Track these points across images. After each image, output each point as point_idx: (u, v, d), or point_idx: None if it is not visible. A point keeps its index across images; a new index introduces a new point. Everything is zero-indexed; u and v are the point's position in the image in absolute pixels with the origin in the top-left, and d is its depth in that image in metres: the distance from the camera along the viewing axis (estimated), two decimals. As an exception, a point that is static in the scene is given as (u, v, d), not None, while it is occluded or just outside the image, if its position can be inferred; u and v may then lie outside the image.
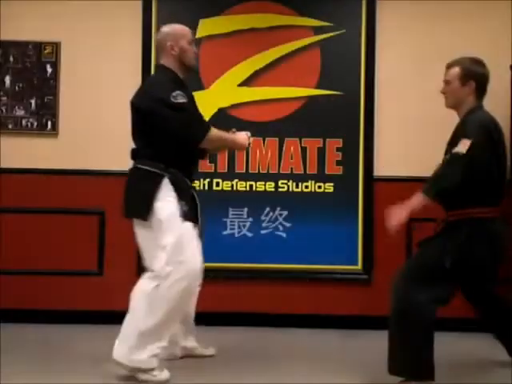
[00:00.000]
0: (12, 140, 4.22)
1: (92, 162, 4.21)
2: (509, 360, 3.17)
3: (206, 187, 4.14)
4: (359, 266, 4.20)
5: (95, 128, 4.23)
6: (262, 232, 4.21)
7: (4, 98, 4.23)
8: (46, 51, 4.23)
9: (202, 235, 3.05)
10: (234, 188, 4.22)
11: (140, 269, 4.14)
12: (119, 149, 4.13)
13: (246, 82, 4.24)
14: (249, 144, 3.10)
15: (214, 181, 4.18)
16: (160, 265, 2.77)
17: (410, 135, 4.22)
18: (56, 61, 4.23)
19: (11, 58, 4.23)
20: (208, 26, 4.23)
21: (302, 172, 4.22)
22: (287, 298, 4.18)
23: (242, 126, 4.17)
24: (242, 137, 3.05)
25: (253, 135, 4.16)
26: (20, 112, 4.23)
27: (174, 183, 2.84)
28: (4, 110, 4.23)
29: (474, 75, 2.89)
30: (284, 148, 4.22)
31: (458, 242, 2.78)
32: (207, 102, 3.97)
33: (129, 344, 2.75)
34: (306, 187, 4.22)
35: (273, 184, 4.22)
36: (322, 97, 4.23)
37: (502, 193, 2.91)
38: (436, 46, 4.15)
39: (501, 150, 2.85)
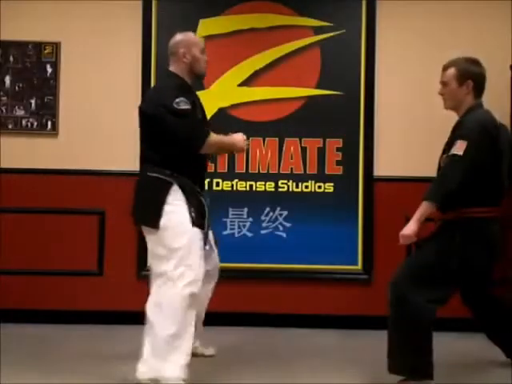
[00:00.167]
0: (12, 140, 4.22)
1: (92, 162, 4.21)
2: (508, 360, 3.17)
3: (206, 187, 4.13)
4: (359, 266, 4.20)
5: (95, 128, 4.23)
6: (262, 232, 4.21)
7: (4, 98, 4.23)
8: (45, 51, 4.24)
9: (208, 239, 3.05)
10: (234, 188, 4.22)
11: (140, 269, 4.18)
12: (119, 149, 4.15)
13: (246, 82, 4.24)
14: (247, 145, 3.10)
15: (214, 181, 4.19)
16: (171, 267, 2.75)
17: (410, 135, 4.22)
18: (56, 61, 4.24)
19: (11, 58, 4.23)
20: (208, 26, 4.23)
21: (302, 172, 4.22)
22: (287, 298, 4.19)
23: (242, 126, 4.19)
24: (240, 139, 3.02)
25: (253, 135, 4.21)
26: (20, 112, 4.24)
27: (183, 189, 2.84)
28: (4, 110, 4.23)
29: (470, 75, 2.89)
30: (284, 148, 4.22)
31: (456, 243, 2.77)
32: (207, 102, 3.96)
33: (155, 357, 2.71)
34: (306, 187, 4.22)
35: (273, 184, 4.22)
36: (322, 97, 4.23)
37: (502, 192, 2.91)
38: (436, 46, 4.15)
39: (500, 148, 2.83)
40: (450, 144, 2.84)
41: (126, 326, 4.05)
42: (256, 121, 4.22)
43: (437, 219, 2.92)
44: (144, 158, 2.95)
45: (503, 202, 2.92)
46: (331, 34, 4.23)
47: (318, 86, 4.23)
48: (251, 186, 4.23)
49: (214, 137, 2.89)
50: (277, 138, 4.23)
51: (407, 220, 2.85)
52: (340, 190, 4.21)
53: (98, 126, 4.23)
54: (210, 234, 3.09)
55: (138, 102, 4.06)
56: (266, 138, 4.23)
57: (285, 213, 4.22)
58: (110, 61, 4.25)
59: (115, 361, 3.32)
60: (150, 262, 2.89)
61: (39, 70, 4.23)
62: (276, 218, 4.22)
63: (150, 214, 2.83)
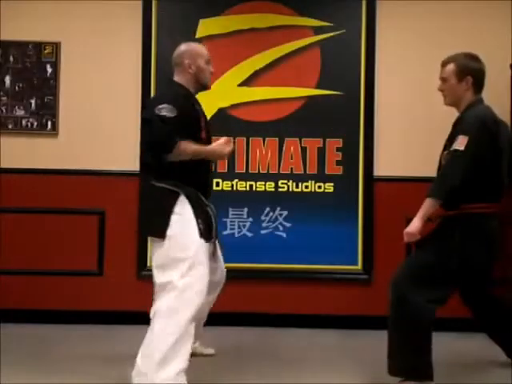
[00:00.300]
0: (12, 140, 4.22)
1: (92, 162, 4.21)
2: (508, 360, 3.17)
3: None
4: (359, 266, 4.20)
5: (95, 128, 4.23)
6: (262, 232, 4.22)
7: (4, 98, 4.23)
8: (45, 51, 4.24)
9: (216, 251, 3.06)
10: (234, 188, 4.22)
11: (140, 269, 4.18)
12: (119, 149, 4.15)
13: (246, 82, 4.24)
14: (232, 150, 3.03)
15: (214, 181, 4.18)
16: (176, 277, 2.73)
17: (410, 135, 4.22)
18: (56, 61, 4.24)
19: (11, 58, 4.23)
20: (208, 26, 4.23)
21: (302, 172, 4.22)
22: (287, 298, 4.19)
23: (242, 126, 4.21)
24: (219, 147, 2.93)
25: (253, 135, 4.21)
26: (20, 112, 4.24)
27: (189, 200, 2.84)
28: (4, 110, 4.23)
29: (470, 70, 2.89)
30: (284, 148, 4.22)
31: (455, 242, 2.77)
32: (207, 102, 3.96)
33: (153, 362, 2.68)
34: (306, 187, 4.22)
35: (273, 184, 4.22)
36: (322, 97, 4.23)
37: (501, 189, 2.90)
38: (436, 46, 4.15)
39: (500, 145, 2.82)
40: (450, 140, 2.84)
41: (126, 326, 4.06)
42: (256, 121, 4.22)
43: (435, 217, 2.91)
44: (148, 167, 2.91)
45: (503, 199, 2.92)
46: (331, 33, 4.23)
47: (318, 86, 4.23)
48: (251, 186, 4.23)
49: (186, 146, 2.80)
50: (277, 138, 4.23)
51: (407, 220, 2.85)
52: (340, 189, 4.21)
53: (98, 125, 4.23)
54: (217, 245, 3.08)
55: (138, 102, 4.11)
56: (266, 138, 4.23)
57: (285, 213, 4.22)
58: (110, 61, 4.25)
59: (115, 361, 3.32)
60: (155, 272, 2.84)
61: (39, 70, 4.23)
62: (276, 218, 4.22)
63: (156, 224, 2.81)
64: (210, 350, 3.45)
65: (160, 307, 2.74)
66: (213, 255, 2.98)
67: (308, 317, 4.20)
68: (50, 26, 4.24)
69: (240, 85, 4.24)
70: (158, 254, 2.82)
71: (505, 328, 3.10)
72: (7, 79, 4.23)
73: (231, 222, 4.21)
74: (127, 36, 4.24)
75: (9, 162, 4.19)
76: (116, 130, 4.12)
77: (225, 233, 4.17)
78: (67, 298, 4.19)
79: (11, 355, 3.36)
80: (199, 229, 2.82)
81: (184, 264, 2.74)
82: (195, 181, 2.90)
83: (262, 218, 4.22)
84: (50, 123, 4.23)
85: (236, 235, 4.21)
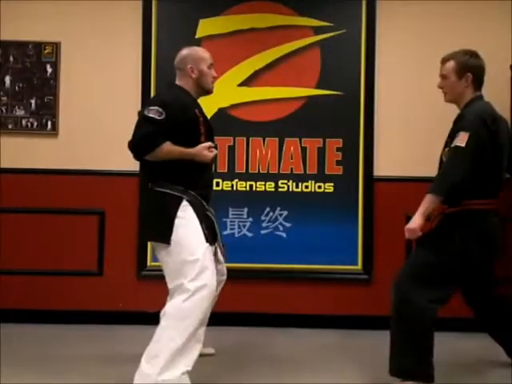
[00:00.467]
0: (12, 140, 4.22)
1: (92, 162, 4.21)
2: (508, 360, 3.18)
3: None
4: (359, 266, 4.20)
5: (95, 128, 4.23)
6: (262, 232, 4.21)
7: (4, 98, 4.23)
8: (45, 51, 4.24)
9: (218, 252, 3.06)
10: (234, 188, 4.22)
11: (140, 269, 4.18)
12: (119, 149, 4.12)
13: (246, 82, 4.24)
14: (215, 156, 2.98)
15: (214, 181, 4.17)
16: (186, 280, 2.73)
17: (410, 135, 4.22)
18: (56, 61, 4.23)
19: (11, 58, 4.23)
20: (208, 26, 4.23)
21: (302, 172, 4.22)
22: (287, 298, 4.19)
23: (242, 126, 4.21)
24: (200, 152, 2.88)
25: (253, 135, 4.21)
26: (20, 112, 4.23)
27: (192, 205, 2.84)
28: (4, 110, 4.23)
29: (469, 67, 2.90)
30: (284, 148, 4.22)
31: (456, 240, 2.77)
32: (207, 102, 3.96)
33: (159, 363, 2.67)
34: (306, 187, 4.22)
35: (273, 184, 4.22)
36: (322, 97, 4.23)
37: (500, 185, 2.90)
38: (436, 46, 4.14)
39: (500, 141, 2.82)
40: (451, 137, 2.84)
41: (126, 326, 4.06)
42: (256, 121, 4.22)
43: (434, 216, 2.90)
44: (149, 172, 2.91)
45: (504, 195, 2.92)
46: (331, 33, 4.23)
47: (318, 86, 4.23)
48: (251, 186, 4.23)
49: (167, 148, 2.79)
50: (277, 138, 4.23)
51: (407, 219, 2.85)
52: (340, 189, 4.21)
53: (98, 125, 4.23)
54: (219, 250, 3.09)
55: (138, 102, 4.11)
56: (266, 138, 4.23)
57: (285, 213, 4.22)
58: (110, 61, 4.25)
59: (115, 361, 3.32)
60: (166, 278, 2.84)
61: (39, 70, 4.23)
62: (276, 218, 4.22)
63: (160, 229, 2.80)
64: (210, 350, 3.45)
65: (169, 309, 2.75)
66: (214, 256, 2.98)
67: (308, 317, 4.20)
68: (50, 26, 4.24)
69: (240, 85, 4.24)
70: (167, 260, 2.82)
71: (507, 327, 3.09)
72: (7, 79, 4.23)
73: (231, 222, 4.21)
74: (127, 36, 4.24)
75: (9, 162, 4.18)
76: (116, 130, 4.12)
77: (225, 233, 4.17)
78: (67, 298, 4.18)
79: (11, 355, 3.36)
80: (204, 233, 2.82)
81: (194, 267, 2.74)
82: (195, 185, 2.89)
83: (262, 218, 4.22)
84: (49, 123, 4.23)
85: (236, 235, 4.21)
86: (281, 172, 4.22)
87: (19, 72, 4.23)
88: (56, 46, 4.23)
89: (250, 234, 4.21)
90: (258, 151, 4.22)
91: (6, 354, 3.37)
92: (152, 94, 4.14)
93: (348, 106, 4.21)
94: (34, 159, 4.22)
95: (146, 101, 3.95)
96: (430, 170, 3.06)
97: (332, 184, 4.21)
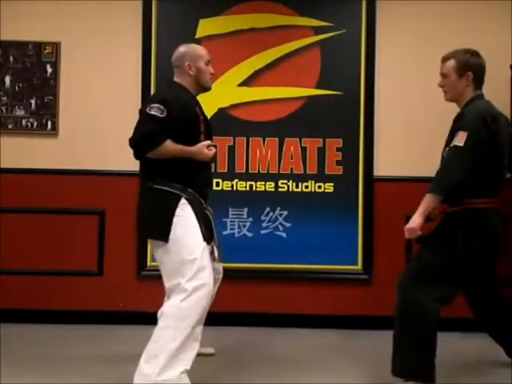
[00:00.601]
0: (12, 140, 4.22)
1: (92, 162, 4.21)
2: (508, 360, 3.17)
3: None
4: (359, 266, 4.20)
5: (95, 128, 4.23)
6: (262, 232, 4.21)
7: (4, 98, 4.23)
8: (45, 51, 4.24)
9: (214, 250, 3.05)
10: (234, 188, 4.22)
11: (140, 269, 4.18)
12: (119, 149, 4.13)
13: (246, 82, 4.24)
14: (215, 154, 2.98)
15: (214, 181, 4.18)
16: (184, 279, 2.72)
17: (410, 135, 4.22)
18: (56, 61, 4.23)
19: (11, 58, 4.23)
20: (208, 26, 4.23)
21: (302, 172, 4.22)
22: (287, 298, 4.19)
23: (242, 126, 4.21)
24: (200, 151, 2.88)
25: (253, 135, 4.21)
26: (20, 112, 4.23)
27: (190, 203, 2.83)
28: (4, 110, 4.23)
29: (470, 66, 2.90)
30: (284, 148, 4.22)
31: (458, 239, 2.77)
32: (207, 102, 3.97)
33: (158, 364, 2.67)
34: (306, 187, 4.22)
35: (273, 184, 4.22)
36: (322, 97, 4.23)
37: (500, 183, 2.90)
38: (436, 46, 4.14)
39: (500, 140, 2.81)
40: (451, 136, 2.84)
41: (126, 326, 4.06)
42: (256, 121, 4.22)
43: (435, 215, 2.90)
44: (148, 170, 2.91)
45: (506, 194, 2.92)
46: (331, 33, 4.23)
47: (318, 86, 4.23)
48: (251, 186, 4.23)
49: (168, 146, 2.79)
50: (277, 138, 4.23)
51: (407, 219, 2.85)
52: (340, 189, 4.21)
53: (98, 125, 4.23)
54: (215, 248, 3.09)
55: (138, 102, 4.11)
56: (266, 138, 4.23)
57: (285, 213, 4.22)
58: (110, 61, 4.25)
59: (115, 361, 3.33)
60: (163, 276, 2.84)
61: (39, 70, 4.23)
62: (276, 218, 4.22)
63: (158, 227, 2.80)
64: (210, 350, 3.45)
65: (167, 308, 2.74)
66: (210, 255, 2.98)
67: (308, 317, 4.20)
68: (50, 26, 4.24)
69: (240, 85, 4.24)
70: (164, 258, 2.82)
71: (507, 328, 3.09)
72: (7, 79, 4.23)
73: (231, 222, 4.21)
74: (127, 36, 4.24)
75: (9, 162, 4.19)
76: (116, 130, 4.12)
77: (225, 233, 4.17)
78: (67, 298, 4.18)
79: (11, 355, 3.36)
80: (202, 232, 2.82)
81: (192, 267, 2.74)
82: (194, 183, 2.89)
83: (262, 218, 4.22)
84: (49, 123, 4.23)
85: (236, 235, 4.21)
86: (281, 172, 4.22)
87: (19, 72, 4.23)
88: (56, 46, 4.23)
89: (250, 234, 4.21)
90: (257, 151, 4.22)
91: (5, 354, 3.37)
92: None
93: (348, 106, 4.21)
94: (33, 159, 4.22)
95: (146, 98, 3.95)
96: (430, 169, 3.05)
97: (332, 184, 4.21)
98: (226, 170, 4.21)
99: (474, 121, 2.77)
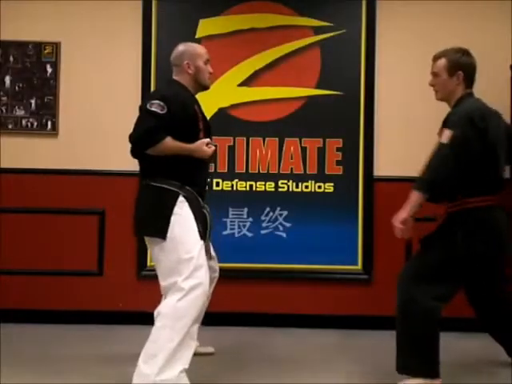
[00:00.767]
0: (12, 140, 4.22)
1: (92, 162, 4.21)
2: (508, 360, 3.17)
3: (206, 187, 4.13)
4: (359, 266, 4.20)
5: (95, 128, 4.23)
6: (262, 232, 4.21)
7: (4, 98, 4.23)
8: (45, 51, 4.24)
9: (210, 248, 3.06)
10: (234, 188, 4.22)
11: (140, 269, 4.18)
12: (119, 149, 4.13)
13: (246, 82, 4.24)
14: (214, 152, 2.96)
15: (214, 181, 4.18)
16: (181, 278, 2.72)
17: (410, 135, 4.22)
18: (56, 61, 4.24)
19: (11, 58, 4.23)
20: (208, 26, 4.23)
21: (302, 172, 4.22)
22: (287, 298, 4.19)
23: (242, 126, 4.21)
24: (199, 148, 2.87)
25: (253, 135, 4.21)
26: (20, 112, 4.24)
27: (188, 200, 2.83)
28: (4, 110, 4.23)
29: (461, 65, 2.89)
30: (284, 148, 4.22)
31: (458, 238, 2.76)
32: (207, 102, 3.97)
33: (156, 363, 2.66)
34: (306, 187, 4.22)
35: (273, 184, 4.22)
36: (322, 97, 4.23)
37: (498, 181, 2.88)
38: (436, 46, 4.13)
39: (490, 139, 2.77)
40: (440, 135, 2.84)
41: (126, 326, 4.06)
42: (256, 121, 4.22)
43: (439, 215, 2.90)
44: (146, 168, 2.91)
45: (506, 196, 2.91)
46: (331, 33, 4.23)
47: (318, 86, 4.23)
48: (251, 186, 4.23)
49: (168, 143, 2.78)
50: (277, 138, 4.23)
51: (411, 220, 2.84)
52: (340, 189, 4.21)
53: (98, 126, 4.23)
54: (211, 246, 3.09)
55: (138, 102, 4.08)
56: (266, 138, 4.23)
57: (285, 213, 4.22)
58: (110, 61, 4.25)
59: (115, 361, 3.32)
60: (159, 274, 2.83)
61: (39, 70, 4.23)
62: (276, 218, 4.22)
63: (156, 224, 2.79)
64: (210, 349, 3.45)
65: (164, 308, 2.74)
66: (206, 253, 2.97)
67: (308, 317, 4.20)
68: (50, 26, 4.24)
69: (240, 85, 4.24)
70: (161, 257, 2.81)
71: (508, 327, 3.08)
72: (7, 79, 4.23)
73: (231, 222, 4.21)
74: (127, 36, 4.24)
75: (9, 162, 4.19)
76: (116, 130, 4.11)
77: (225, 233, 4.18)
78: (67, 298, 4.18)
79: (11, 355, 3.36)
80: (199, 231, 2.82)
81: (189, 265, 2.73)
82: (192, 181, 2.89)
83: (262, 218, 4.22)
84: (49, 123, 4.23)
85: (236, 235, 4.21)
86: (281, 172, 4.22)
87: (19, 72, 4.23)
88: (56, 46, 4.23)
89: (250, 234, 4.21)
90: (257, 151, 4.22)
91: (5, 354, 3.37)
92: (152, 94, 4.14)
93: (348, 106, 4.21)
94: (34, 159, 4.22)
95: (145, 95, 3.94)
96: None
97: (332, 184, 4.21)
98: (226, 170, 4.21)
99: (461, 120, 2.75)
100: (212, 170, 4.14)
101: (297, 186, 4.22)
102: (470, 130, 2.74)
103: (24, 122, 4.23)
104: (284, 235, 4.22)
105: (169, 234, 2.76)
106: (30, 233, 4.19)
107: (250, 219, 4.22)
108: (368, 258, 4.18)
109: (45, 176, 4.20)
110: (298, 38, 4.24)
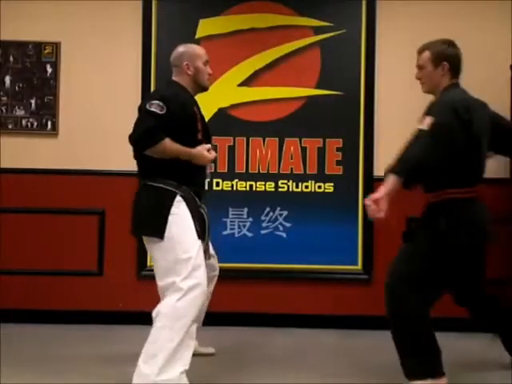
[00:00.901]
0: (12, 140, 4.22)
1: (92, 162, 4.21)
2: (509, 360, 3.17)
3: (206, 187, 4.13)
4: (359, 266, 4.20)
5: (95, 128, 4.23)
6: (262, 232, 4.21)
7: (4, 98, 4.23)
8: (45, 51, 4.24)
9: (209, 247, 3.05)
10: (234, 188, 4.22)
11: (140, 269, 4.18)
12: (119, 149, 4.13)
13: (246, 82, 4.24)
14: (215, 157, 2.98)
15: (214, 181, 4.18)
16: (179, 278, 2.71)
17: (410, 135, 4.21)
18: (56, 61, 4.24)
19: (11, 58, 4.23)
20: (208, 26, 4.23)
21: (302, 172, 4.22)
22: (287, 298, 4.19)
23: (241, 126, 4.21)
24: (199, 154, 2.87)
25: (253, 135, 4.21)
26: (20, 112, 4.24)
27: (186, 200, 2.83)
28: (4, 110, 4.23)
29: (445, 56, 2.89)
30: (284, 148, 4.22)
31: (440, 230, 2.72)
32: (207, 102, 3.97)
33: (156, 364, 2.66)
34: (306, 187, 4.22)
35: (273, 184, 4.22)
36: (322, 97, 4.23)
37: (479, 173, 2.85)
38: (436, 45, 4.15)
39: (475, 131, 2.73)
40: None
41: (126, 326, 4.06)
42: (256, 121, 4.22)
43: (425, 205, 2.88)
44: (144, 167, 2.91)
45: (505, 196, 2.89)
46: (331, 33, 4.23)
47: (318, 86, 4.23)
48: (251, 186, 4.23)
49: (167, 144, 2.78)
50: (277, 138, 4.23)
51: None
52: (340, 189, 4.21)
53: (98, 125, 4.23)
54: (210, 245, 3.09)
55: (138, 102, 4.07)
56: (266, 138, 4.23)
57: (285, 213, 4.22)
58: (110, 61, 4.25)
59: (115, 361, 3.33)
60: (157, 274, 2.83)
61: (39, 70, 4.23)
62: (276, 218, 4.22)
63: (154, 224, 2.79)
64: (211, 349, 3.45)
65: (164, 308, 2.73)
66: (205, 253, 2.97)
67: (308, 317, 4.20)
68: (50, 26, 4.24)
69: (240, 85, 4.24)
70: (158, 257, 2.81)
71: (503, 326, 3.08)
72: (7, 79, 4.23)
73: (231, 222, 4.21)
74: (127, 36, 4.24)
75: (9, 162, 4.19)
76: (116, 130, 4.11)
77: (225, 233, 4.18)
78: (67, 298, 4.19)
79: (11, 355, 3.36)
80: (196, 230, 2.82)
81: (187, 265, 2.72)
82: (190, 181, 2.89)
83: (262, 218, 4.22)
84: (49, 123, 4.23)
85: (236, 235, 4.21)
86: (281, 172, 4.22)
87: (19, 72, 4.23)
88: (56, 46, 4.23)
89: (250, 234, 4.21)
90: (257, 151, 4.22)
91: (5, 354, 3.37)
92: (152, 94, 4.14)
93: (348, 106, 4.22)
94: (34, 159, 4.22)
95: (145, 95, 3.94)
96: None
97: (332, 184, 4.21)
98: (226, 170, 4.21)
99: (443, 109, 2.72)
100: (212, 170, 4.14)
101: (297, 186, 4.22)
102: (454, 122, 2.69)
103: (24, 122, 4.23)
104: (284, 235, 4.22)
105: (166, 234, 2.76)
106: (30, 233, 4.19)
107: (250, 219, 4.22)
108: (368, 257, 4.18)
109: (45, 176, 4.20)
110: (297, 38, 4.24)
